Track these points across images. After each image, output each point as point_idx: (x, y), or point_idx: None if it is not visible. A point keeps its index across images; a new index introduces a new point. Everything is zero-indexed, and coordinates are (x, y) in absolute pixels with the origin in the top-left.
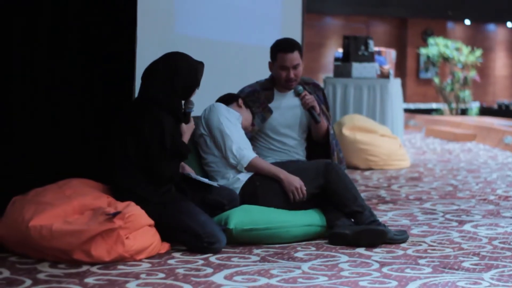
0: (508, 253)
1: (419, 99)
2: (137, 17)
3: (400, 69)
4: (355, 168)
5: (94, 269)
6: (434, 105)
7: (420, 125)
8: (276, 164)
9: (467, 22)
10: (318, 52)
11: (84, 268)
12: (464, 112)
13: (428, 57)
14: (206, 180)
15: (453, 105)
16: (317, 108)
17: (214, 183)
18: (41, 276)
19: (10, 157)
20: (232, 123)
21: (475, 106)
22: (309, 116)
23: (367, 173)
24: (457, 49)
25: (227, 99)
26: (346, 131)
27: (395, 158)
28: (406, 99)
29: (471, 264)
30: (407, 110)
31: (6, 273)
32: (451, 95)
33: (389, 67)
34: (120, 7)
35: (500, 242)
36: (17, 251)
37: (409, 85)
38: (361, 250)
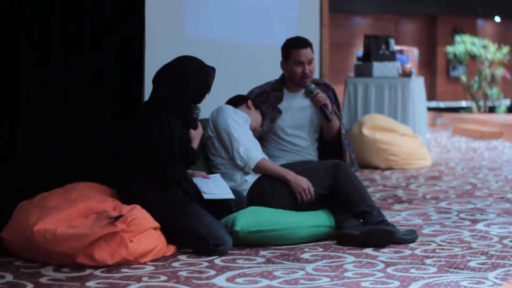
0: None
1: (449, 97)
2: (148, 20)
3: (430, 68)
4: (376, 168)
5: (97, 272)
6: (464, 103)
7: (447, 124)
8: (285, 165)
9: (497, 19)
10: (347, 52)
11: (88, 271)
12: (492, 110)
13: (454, 55)
14: (220, 196)
15: (481, 103)
16: (329, 106)
17: (230, 196)
18: (43, 280)
19: (18, 162)
20: (240, 125)
21: (504, 104)
22: (321, 115)
23: (387, 172)
24: (484, 47)
25: (236, 101)
26: (366, 131)
27: (416, 157)
28: (436, 97)
29: (478, 264)
30: (436, 109)
31: (9, 277)
32: (479, 93)
33: (411, 65)
34: (129, 10)
35: (510, 241)
36: (23, 256)
37: (439, 84)
38: (369, 251)
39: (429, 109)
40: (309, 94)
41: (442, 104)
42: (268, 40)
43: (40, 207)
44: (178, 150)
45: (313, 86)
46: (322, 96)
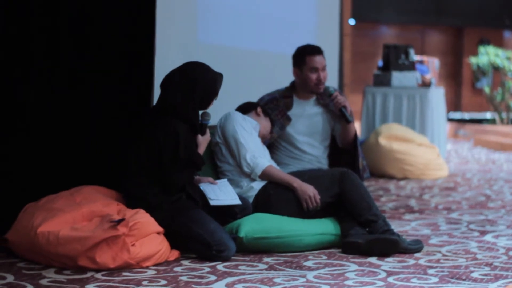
0: None
1: (475, 109)
2: (159, 24)
3: (456, 79)
4: (391, 177)
5: (98, 275)
6: (488, 115)
7: (469, 135)
8: (292, 172)
9: None
10: (372, 62)
11: (89, 274)
12: None
13: (478, 66)
14: (226, 202)
15: (504, 114)
16: (349, 108)
17: (236, 202)
18: (43, 281)
19: (26, 165)
20: (247, 132)
21: None
22: (340, 119)
23: (402, 182)
24: (508, 58)
25: (245, 108)
26: (382, 140)
27: (432, 167)
28: (461, 108)
29: (480, 275)
30: (461, 120)
31: (10, 278)
32: (502, 105)
33: (431, 76)
34: (139, 14)
35: None
36: (27, 257)
37: (465, 95)
38: (373, 260)
39: (453, 120)
40: (328, 96)
41: (466, 115)
42: (284, 48)
43: (45, 209)
44: (184, 155)
45: (332, 88)
46: (341, 98)
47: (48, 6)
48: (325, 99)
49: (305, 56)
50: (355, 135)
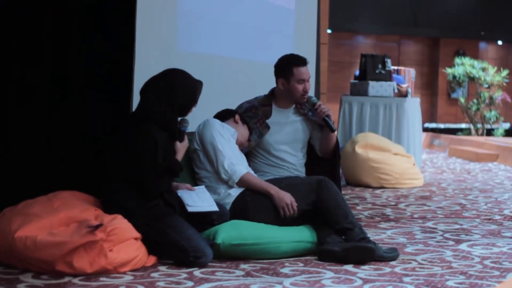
0: (496, 273)
1: (450, 119)
2: (138, 32)
3: (432, 89)
4: (367, 186)
5: (75, 280)
6: (464, 125)
7: (445, 145)
8: (270, 180)
9: (500, 42)
10: (349, 71)
11: (66, 279)
12: (489, 132)
13: (454, 76)
14: (204, 209)
15: (479, 125)
16: (332, 116)
17: (214, 208)
18: (20, 286)
19: (4, 170)
20: (225, 139)
21: (503, 127)
22: (324, 128)
23: (378, 191)
24: (483, 69)
25: (224, 115)
26: (359, 149)
27: (408, 177)
28: (437, 119)
29: (455, 283)
30: (436, 130)
31: None
32: (477, 115)
33: (407, 85)
34: (119, 21)
35: (491, 262)
36: (4, 262)
37: (440, 105)
38: (349, 267)
39: (429, 130)
40: (312, 106)
41: (442, 126)
42: (261, 56)
43: (23, 214)
44: (162, 162)
45: (315, 98)
46: (325, 107)
47: (31, 19)
48: (304, 108)
49: (292, 67)
50: (337, 143)
